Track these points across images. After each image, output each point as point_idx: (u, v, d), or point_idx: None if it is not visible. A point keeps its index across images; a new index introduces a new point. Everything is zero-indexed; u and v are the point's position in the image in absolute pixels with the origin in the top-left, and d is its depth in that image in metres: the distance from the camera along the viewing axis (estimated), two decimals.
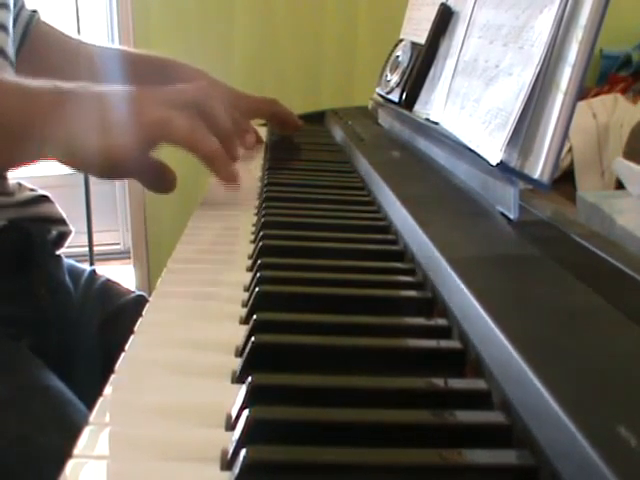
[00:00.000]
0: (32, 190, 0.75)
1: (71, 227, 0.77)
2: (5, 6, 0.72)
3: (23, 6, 0.80)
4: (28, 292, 0.68)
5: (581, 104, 1.03)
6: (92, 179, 1.84)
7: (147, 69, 0.86)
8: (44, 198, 0.75)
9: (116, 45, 0.90)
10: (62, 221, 0.77)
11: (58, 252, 0.76)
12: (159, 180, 0.60)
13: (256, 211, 0.60)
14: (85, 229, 1.80)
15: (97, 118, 0.54)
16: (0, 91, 0.55)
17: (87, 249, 1.81)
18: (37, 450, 0.51)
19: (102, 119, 0.54)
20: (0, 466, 0.49)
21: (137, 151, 0.54)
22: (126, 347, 0.34)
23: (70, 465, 0.25)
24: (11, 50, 0.73)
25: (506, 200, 0.46)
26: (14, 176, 0.73)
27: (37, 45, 0.81)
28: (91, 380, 0.44)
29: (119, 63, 0.85)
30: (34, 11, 0.82)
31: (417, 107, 0.70)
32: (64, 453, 0.26)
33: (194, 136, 0.55)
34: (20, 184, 0.74)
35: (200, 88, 0.60)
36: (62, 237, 0.76)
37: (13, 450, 0.50)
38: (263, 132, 0.93)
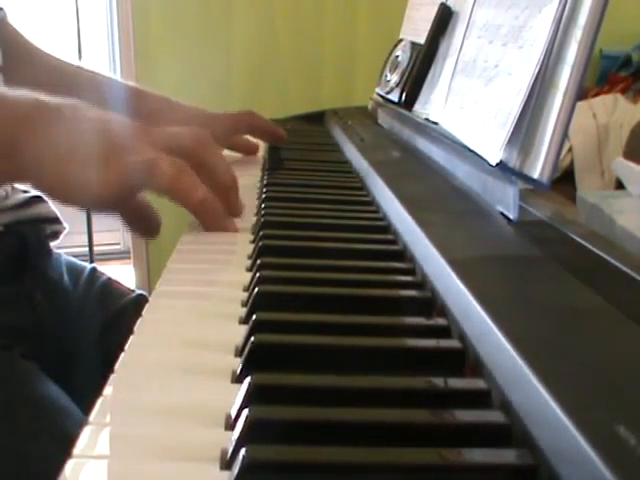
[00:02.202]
0: (25, 192, 0.74)
1: (65, 224, 0.77)
2: None
3: None
4: (24, 298, 0.67)
5: (581, 104, 1.03)
6: None
7: (110, 92, 0.79)
8: (38, 199, 0.75)
9: (79, 63, 0.84)
10: (56, 220, 0.76)
11: (54, 248, 0.75)
12: (142, 223, 0.55)
13: (256, 211, 0.60)
14: (85, 229, 1.80)
15: (79, 145, 0.48)
16: None
17: (87, 249, 1.81)
18: (28, 461, 0.50)
19: (85, 147, 0.48)
20: None
21: (117, 190, 0.48)
22: (126, 347, 0.34)
23: (70, 465, 0.25)
24: None
25: (506, 200, 0.46)
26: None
27: (4, 52, 0.74)
28: (90, 380, 0.44)
29: (93, 85, 0.78)
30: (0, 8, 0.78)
31: (417, 107, 0.70)
32: (56, 462, 0.25)
33: (179, 185, 0.49)
34: (13, 187, 0.73)
35: (198, 133, 0.54)
36: (56, 234, 0.76)
37: (4, 461, 0.50)
38: None
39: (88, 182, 0.47)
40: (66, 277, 0.75)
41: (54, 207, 0.77)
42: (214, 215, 0.53)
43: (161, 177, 0.48)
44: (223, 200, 0.53)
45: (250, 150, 0.86)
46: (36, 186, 0.51)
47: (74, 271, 0.78)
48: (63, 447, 0.26)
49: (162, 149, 0.49)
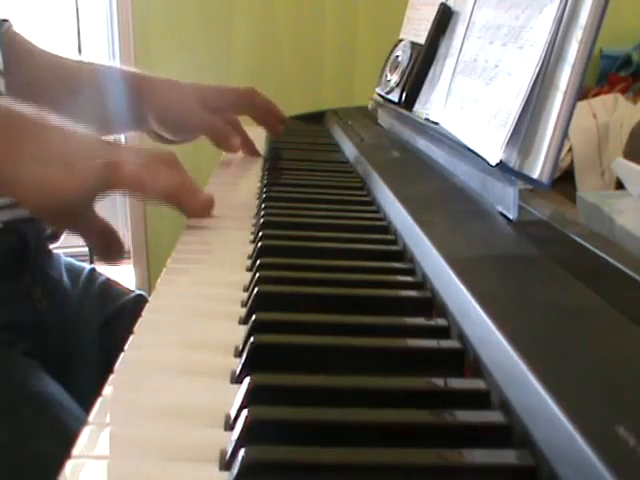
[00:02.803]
0: None
1: None
2: None
3: None
4: (24, 295, 0.68)
5: (581, 104, 1.03)
6: None
7: (110, 82, 0.80)
8: None
9: (94, 59, 0.85)
10: None
11: (54, 248, 0.76)
12: (106, 245, 0.54)
13: (256, 211, 0.60)
14: None
15: (43, 149, 0.49)
16: None
17: (87, 249, 1.80)
18: (30, 457, 0.50)
19: (50, 155, 0.49)
20: None
21: (80, 190, 0.49)
22: (126, 347, 0.34)
23: (70, 465, 0.25)
24: None
25: (506, 200, 0.46)
26: None
27: (5, 54, 0.75)
28: (90, 380, 0.44)
29: (93, 78, 0.79)
30: (5, 20, 0.80)
31: (417, 107, 0.70)
32: (57, 459, 0.25)
33: (144, 178, 0.50)
34: None
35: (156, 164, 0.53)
36: (56, 235, 0.76)
37: (5, 457, 0.50)
38: (262, 135, 0.92)
39: (52, 183, 0.48)
40: (65, 277, 0.76)
41: None
42: (188, 195, 0.54)
43: (125, 178, 0.49)
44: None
45: (250, 149, 0.86)
46: (4, 192, 0.51)
47: (73, 271, 0.78)
48: (65, 443, 0.26)
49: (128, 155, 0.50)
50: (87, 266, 0.81)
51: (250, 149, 0.86)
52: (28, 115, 0.51)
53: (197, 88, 0.81)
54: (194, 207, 0.55)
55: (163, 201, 0.53)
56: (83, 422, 0.28)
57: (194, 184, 0.55)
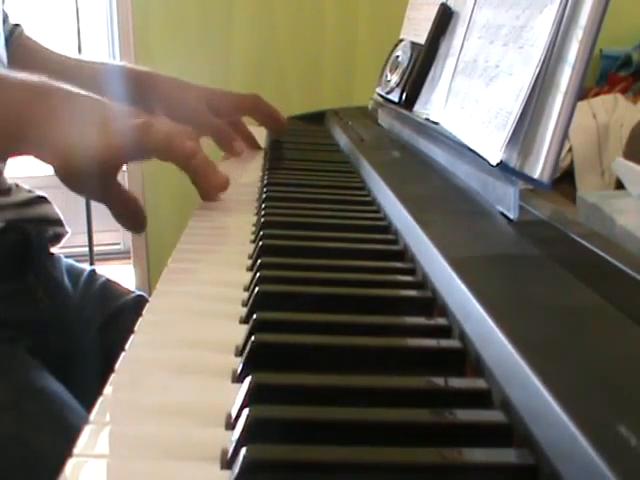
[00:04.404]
0: (30, 191, 0.75)
1: (67, 228, 0.77)
2: None
3: (7, 17, 0.79)
4: (26, 294, 0.68)
5: (581, 104, 1.03)
6: None
7: (127, 82, 0.82)
8: (42, 199, 0.75)
9: (110, 60, 0.87)
10: (59, 222, 0.77)
11: (55, 251, 0.76)
12: (130, 214, 0.57)
13: (256, 211, 0.60)
14: (85, 229, 1.80)
15: (80, 116, 0.53)
16: None
17: (87, 249, 1.81)
18: (33, 452, 0.51)
19: (86, 118, 0.53)
20: None
21: (117, 152, 0.52)
22: (126, 347, 0.34)
23: (70, 464, 0.25)
24: (2, 50, 0.73)
25: (506, 200, 0.46)
26: (11, 176, 0.73)
27: (17, 58, 0.78)
28: (90, 380, 0.44)
29: (94, 75, 0.81)
30: (17, 24, 0.81)
31: (417, 107, 0.70)
32: (60, 455, 0.25)
33: (174, 141, 0.54)
34: (17, 185, 0.74)
35: (183, 128, 0.57)
36: (58, 237, 0.76)
37: (8, 452, 0.50)
38: (263, 132, 0.92)
39: (89, 147, 0.51)
40: (66, 279, 0.76)
41: (57, 209, 0.77)
42: (209, 168, 0.57)
43: (156, 134, 0.53)
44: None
45: (251, 142, 0.87)
46: (40, 157, 0.53)
47: (74, 273, 0.78)
48: (67, 439, 0.26)
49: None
50: (87, 268, 0.82)
51: (251, 143, 0.87)
52: (64, 86, 0.54)
53: (203, 90, 0.83)
54: (212, 182, 0.58)
55: (186, 168, 0.55)
56: (85, 420, 0.28)
57: (213, 162, 0.59)
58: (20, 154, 0.54)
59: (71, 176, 0.52)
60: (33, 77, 0.54)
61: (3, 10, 0.77)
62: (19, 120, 0.52)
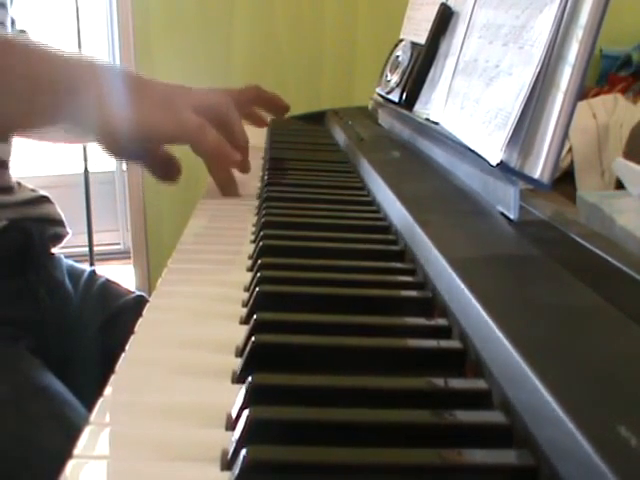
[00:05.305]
0: (33, 190, 0.75)
1: (69, 229, 0.78)
2: (2, 5, 0.72)
3: (14, 22, 0.80)
4: (27, 293, 0.68)
5: (581, 104, 1.03)
6: (92, 179, 1.85)
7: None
8: (44, 199, 0.75)
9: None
10: (60, 222, 0.77)
11: (55, 251, 0.76)
12: (167, 170, 0.63)
13: (256, 211, 0.60)
14: (85, 229, 1.80)
15: (140, 96, 0.57)
16: (45, 53, 0.56)
17: (87, 249, 1.81)
18: (35, 450, 0.51)
19: (143, 98, 0.57)
20: None
21: (172, 131, 0.57)
22: (126, 347, 0.34)
23: (70, 465, 0.25)
24: None
25: (506, 200, 0.46)
26: (14, 175, 0.73)
27: None
28: (91, 380, 0.44)
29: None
30: (22, 31, 0.81)
31: (417, 107, 0.70)
32: (62, 453, 0.25)
33: (221, 150, 0.59)
34: (20, 184, 0.74)
35: (223, 96, 0.64)
36: (59, 238, 0.76)
37: (11, 450, 0.50)
38: (263, 132, 0.92)
39: (151, 119, 0.56)
40: (67, 279, 0.76)
41: (59, 210, 0.77)
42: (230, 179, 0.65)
43: (206, 143, 0.58)
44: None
45: (260, 122, 0.87)
46: (94, 122, 0.56)
47: (74, 274, 0.78)
48: (69, 438, 0.26)
49: (199, 112, 0.58)
50: (87, 268, 0.82)
51: (258, 122, 0.87)
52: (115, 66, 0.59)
53: (206, 90, 0.82)
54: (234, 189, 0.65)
55: (221, 172, 0.64)
56: (86, 418, 0.28)
57: (246, 156, 0.66)
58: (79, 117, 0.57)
59: (115, 144, 0.56)
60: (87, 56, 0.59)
61: (10, 16, 0.77)
62: (77, 83, 0.55)
